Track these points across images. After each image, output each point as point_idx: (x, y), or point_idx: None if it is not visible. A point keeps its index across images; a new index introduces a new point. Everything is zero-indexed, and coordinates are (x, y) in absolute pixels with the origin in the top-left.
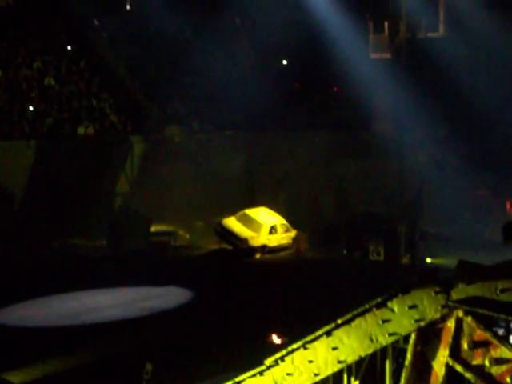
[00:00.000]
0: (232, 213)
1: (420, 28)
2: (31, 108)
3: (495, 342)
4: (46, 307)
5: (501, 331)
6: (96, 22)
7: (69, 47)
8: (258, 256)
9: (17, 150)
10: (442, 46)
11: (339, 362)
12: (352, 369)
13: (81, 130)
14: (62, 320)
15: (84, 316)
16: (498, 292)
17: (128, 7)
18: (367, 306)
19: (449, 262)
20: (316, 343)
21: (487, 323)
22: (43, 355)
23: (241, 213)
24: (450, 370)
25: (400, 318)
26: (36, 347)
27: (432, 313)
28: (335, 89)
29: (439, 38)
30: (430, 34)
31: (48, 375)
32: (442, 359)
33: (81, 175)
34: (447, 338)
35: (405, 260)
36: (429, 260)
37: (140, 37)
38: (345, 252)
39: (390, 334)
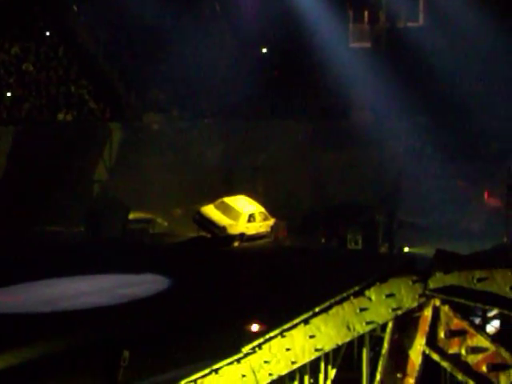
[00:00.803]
0: (210, 201)
1: (400, 17)
2: (9, 94)
3: (472, 330)
4: (23, 294)
5: (477, 320)
6: (75, 8)
7: (47, 33)
8: (236, 244)
9: None
10: (421, 36)
11: (316, 350)
12: (329, 357)
13: (60, 117)
14: (39, 306)
15: (61, 303)
16: (475, 281)
17: None
18: (345, 295)
19: (426, 251)
20: (293, 331)
21: (464, 312)
22: (19, 342)
23: (219, 201)
24: (426, 358)
25: (377, 307)
26: (12, 334)
27: (409, 302)
28: (315, 77)
29: (419, 28)
30: (410, 24)
31: (24, 362)
32: (418, 348)
33: (59, 162)
34: (424, 326)
35: (383, 249)
36: (406, 249)
37: (119, 23)
38: (323, 241)
39: (367, 323)
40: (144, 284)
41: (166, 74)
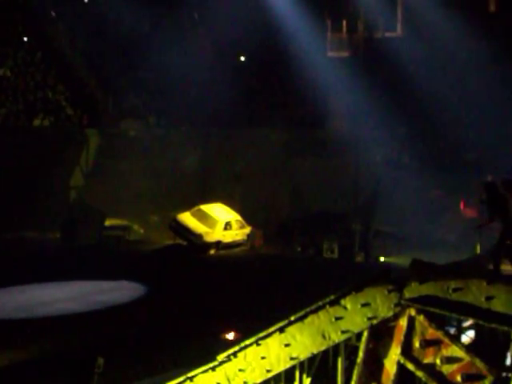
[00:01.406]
0: (187, 208)
1: (378, 27)
2: None
3: (447, 340)
4: None
5: (452, 330)
6: (53, 14)
7: (25, 38)
8: (212, 252)
9: None
10: (399, 46)
11: (291, 358)
12: (304, 365)
13: (36, 122)
14: (13, 313)
15: (36, 309)
16: (450, 291)
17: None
18: (320, 303)
19: (402, 260)
20: (269, 339)
21: (439, 322)
22: None
23: (196, 208)
24: (401, 368)
25: (353, 316)
26: None
27: (385, 311)
28: (292, 86)
29: (397, 38)
30: (388, 34)
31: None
32: (393, 357)
33: (35, 167)
34: (399, 336)
35: (358, 258)
36: (382, 258)
37: (97, 30)
38: (299, 249)
39: (343, 332)
40: (119, 291)
41: (143, 81)
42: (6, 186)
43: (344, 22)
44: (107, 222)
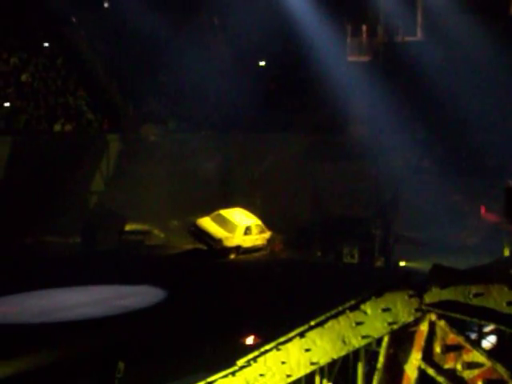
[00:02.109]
0: (207, 213)
1: (398, 32)
2: (7, 104)
3: (468, 346)
4: (18, 305)
5: (473, 335)
6: (74, 20)
7: (46, 44)
8: (232, 256)
9: None
10: (419, 50)
11: (312, 363)
12: (324, 371)
13: (57, 127)
14: (33, 317)
15: (56, 314)
16: (471, 296)
17: (106, 5)
18: (340, 309)
19: (423, 265)
20: (289, 344)
21: (460, 327)
22: (14, 353)
23: (216, 213)
24: (422, 373)
25: (373, 321)
26: (6, 345)
27: (405, 316)
28: (312, 91)
29: (417, 42)
30: (408, 38)
31: (19, 373)
32: (414, 362)
33: (56, 172)
34: (420, 341)
35: (379, 263)
36: (403, 263)
37: (117, 35)
38: (319, 254)
39: (363, 337)
40: (139, 295)
41: (163, 86)
42: (27, 190)
43: (364, 27)
44: (127, 227)
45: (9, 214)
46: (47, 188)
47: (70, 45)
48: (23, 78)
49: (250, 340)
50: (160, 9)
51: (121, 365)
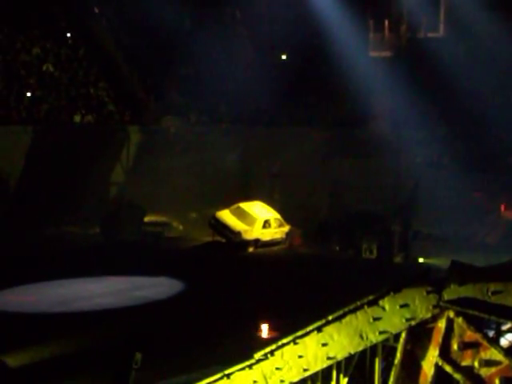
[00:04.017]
0: (226, 206)
1: (420, 28)
2: (29, 94)
3: (485, 343)
4: (37, 293)
5: (491, 333)
6: (96, 10)
7: (68, 34)
8: (250, 250)
9: (13, 135)
10: (441, 46)
11: (329, 358)
12: (341, 365)
13: (78, 118)
14: (52, 307)
15: (75, 303)
16: (489, 294)
17: None
18: (358, 304)
19: (441, 262)
20: (306, 338)
21: (478, 324)
22: (32, 341)
23: (235, 206)
24: (439, 370)
25: (391, 317)
26: (25, 333)
27: (423, 312)
28: (333, 85)
29: (439, 38)
30: (430, 34)
31: (36, 362)
32: (431, 359)
33: (76, 163)
34: (437, 338)
35: (397, 259)
36: (421, 260)
37: (140, 26)
38: (338, 249)
39: (381, 332)
40: (158, 287)
41: (184, 79)
42: (47, 181)
43: (386, 22)
44: (147, 219)
45: (29, 204)
46: (68, 178)
47: (93, 36)
48: (45, 68)
49: (267, 333)
50: (182, 1)
51: (138, 356)
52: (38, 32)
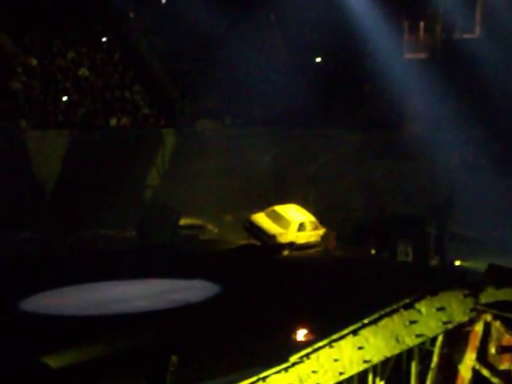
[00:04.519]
0: (261, 209)
1: (456, 29)
2: (65, 98)
3: None
4: (74, 296)
5: None
6: (131, 15)
7: (104, 39)
8: (285, 253)
9: (50, 138)
10: (477, 47)
11: (365, 361)
12: (377, 369)
13: (113, 122)
14: (89, 309)
15: (111, 306)
16: None
17: (163, 0)
18: (395, 307)
19: (478, 265)
20: (342, 342)
21: None
22: (69, 344)
23: (270, 209)
24: (476, 374)
25: (427, 320)
26: (62, 336)
27: (460, 316)
28: (368, 88)
29: (475, 39)
30: (466, 35)
31: (73, 364)
32: (468, 363)
33: (112, 166)
34: (475, 341)
35: (433, 262)
36: (458, 262)
37: (174, 30)
38: (373, 252)
39: (417, 336)
40: (194, 290)
41: (219, 82)
42: (83, 184)
43: (421, 24)
44: (182, 222)
45: (66, 207)
46: (103, 182)
47: (128, 40)
48: (81, 72)
49: (303, 336)
50: (217, 4)
51: (174, 358)
52: (74, 36)
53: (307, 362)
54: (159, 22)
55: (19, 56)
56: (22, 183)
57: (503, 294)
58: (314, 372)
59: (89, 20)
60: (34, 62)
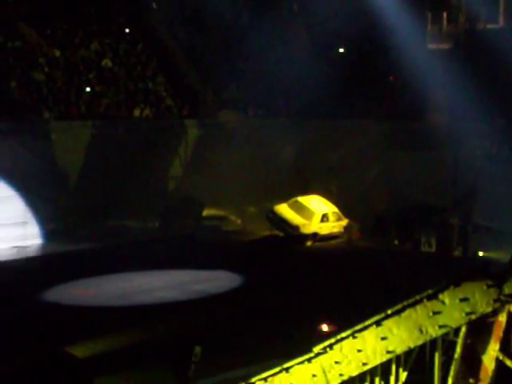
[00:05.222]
0: (284, 199)
1: (479, 19)
2: (88, 89)
3: None
4: (97, 287)
5: None
6: (154, 6)
7: (127, 30)
8: (309, 243)
9: (74, 129)
10: (501, 38)
11: (388, 352)
12: (401, 359)
13: (136, 113)
14: (112, 300)
15: (135, 297)
16: None
17: None
18: (418, 298)
19: (501, 255)
20: (365, 332)
21: None
22: (93, 334)
23: (293, 200)
24: (500, 364)
25: (451, 311)
26: (86, 326)
27: (483, 306)
28: (391, 78)
29: (498, 30)
30: (490, 25)
31: (97, 354)
32: (492, 353)
33: (135, 157)
34: (498, 332)
35: (457, 252)
36: (481, 253)
37: (198, 21)
38: (396, 242)
39: (440, 326)
40: (217, 280)
41: (242, 72)
42: (107, 174)
43: (445, 14)
44: (205, 213)
45: (90, 197)
46: (127, 172)
47: (151, 31)
48: (104, 63)
49: (326, 327)
50: None
51: (197, 349)
52: (97, 27)
53: (330, 352)
54: (182, 12)
55: (42, 47)
56: (46, 175)
57: None
58: (337, 363)
59: (112, 11)
60: (57, 53)
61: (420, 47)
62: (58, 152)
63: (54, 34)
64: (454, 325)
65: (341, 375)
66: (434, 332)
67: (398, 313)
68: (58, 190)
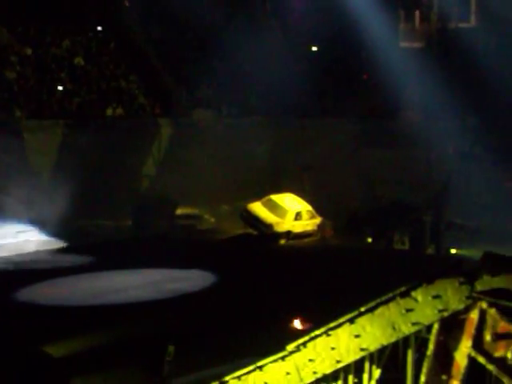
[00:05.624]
0: (258, 198)
1: (451, 18)
2: (60, 88)
3: None
4: (71, 286)
5: None
6: (127, 4)
7: (99, 28)
8: (282, 242)
9: (45, 128)
10: (472, 37)
11: (361, 349)
12: (374, 357)
13: (109, 111)
14: (86, 299)
15: (108, 296)
16: None
17: None
18: (391, 295)
19: (474, 253)
20: (339, 330)
21: (511, 316)
22: (66, 334)
23: (266, 198)
24: (472, 361)
25: (423, 308)
26: (59, 326)
27: (456, 303)
28: (365, 77)
29: (470, 29)
30: (462, 24)
31: (70, 354)
32: (464, 350)
33: (108, 156)
34: (470, 329)
35: (430, 250)
36: (454, 251)
37: (170, 19)
38: (370, 240)
39: (413, 324)
40: (191, 279)
41: (215, 71)
42: (79, 173)
43: (417, 13)
44: (178, 211)
45: (61, 197)
46: (99, 171)
47: (123, 29)
48: (76, 61)
49: (299, 325)
50: None
51: (171, 348)
52: (69, 25)
53: (304, 350)
54: (155, 11)
55: (13, 45)
56: (17, 173)
57: (499, 282)
58: (310, 360)
59: (84, 9)
60: (29, 51)
61: (393, 46)
62: (30, 151)
63: (26, 32)
64: (426, 322)
65: (314, 373)
66: (406, 329)
67: (371, 310)
68: (29, 189)
